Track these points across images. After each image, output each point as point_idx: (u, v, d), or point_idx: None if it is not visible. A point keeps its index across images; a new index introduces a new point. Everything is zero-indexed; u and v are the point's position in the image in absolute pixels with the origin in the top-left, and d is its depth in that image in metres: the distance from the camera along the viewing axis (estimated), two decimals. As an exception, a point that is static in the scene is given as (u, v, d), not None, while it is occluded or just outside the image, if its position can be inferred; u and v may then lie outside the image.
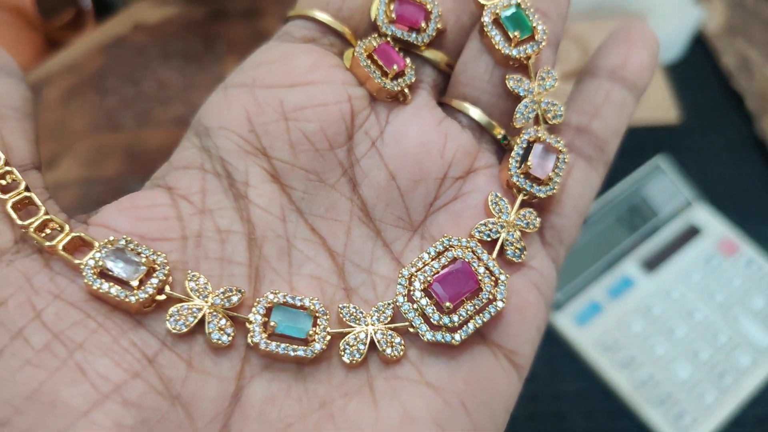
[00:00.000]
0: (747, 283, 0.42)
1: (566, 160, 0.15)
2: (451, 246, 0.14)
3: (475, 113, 0.16)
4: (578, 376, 0.41)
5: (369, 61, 0.15)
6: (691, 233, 0.44)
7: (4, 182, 0.13)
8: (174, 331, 0.13)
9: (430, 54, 0.16)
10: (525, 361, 0.15)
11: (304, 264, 0.14)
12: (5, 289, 0.12)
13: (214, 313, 0.13)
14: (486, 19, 0.16)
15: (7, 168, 0.13)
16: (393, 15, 0.16)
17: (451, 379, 0.14)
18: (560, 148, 0.16)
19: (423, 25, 0.16)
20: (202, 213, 0.14)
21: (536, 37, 0.16)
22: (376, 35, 0.16)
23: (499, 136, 0.16)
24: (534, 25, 0.16)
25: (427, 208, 0.15)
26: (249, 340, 0.13)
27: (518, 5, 0.16)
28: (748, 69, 0.53)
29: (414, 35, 0.16)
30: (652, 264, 0.43)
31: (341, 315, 0.14)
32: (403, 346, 0.14)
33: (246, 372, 0.13)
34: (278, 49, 0.16)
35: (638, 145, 0.52)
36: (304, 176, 0.15)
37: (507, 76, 0.16)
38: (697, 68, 0.56)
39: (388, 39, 0.16)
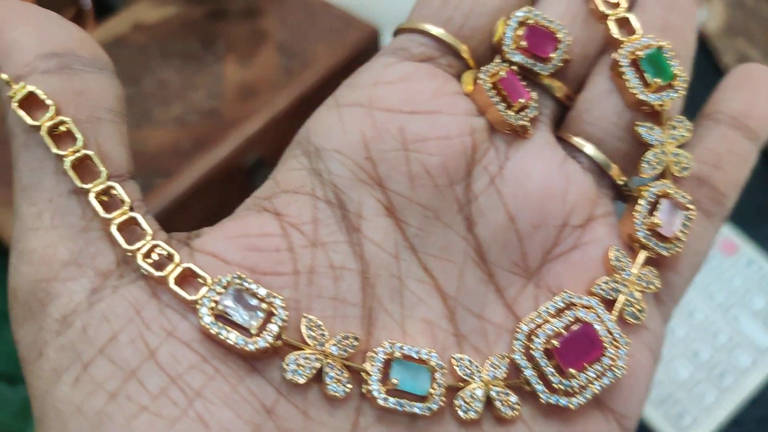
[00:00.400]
0: (747, 283, 0.42)
1: (692, 217, 0.15)
2: (572, 304, 0.14)
3: (598, 155, 0.15)
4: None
5: (494, 91, 0.14)
6: (690, 233, 0.44)
7: (106, 198, 0.13)
8: (292, 381, 0.12)
9: (550, 83, 0.15)
10: (634, 425, 0.14)
11: (417, 306, 0.14)
12: (114, 321, 0.11)
13: (332, 364, 0.12)
14: (623, 59, 0.15)
15: (110, 183, 0.13)
16: (522, 42, 0.15)
17: None
18: (687, 205, 0.15)
19: (551, 53, 0.15)
20: (314, 246, 0.13)
21: (674, 85, 0.15)
22: (500, 61, 0.15)
23: (621, 182, 0.15)
24: (674, 71, 0.15)
25: (545, 255, 0.15)
26: (365, 392, 0.13)
27: (659, 48, 0.15)
28: (748, 69, 0.53)
29: (540, 65, 0.15)
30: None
31: (455, 367, 0.13)
32: (518, 405, 0.13)
33: (361, 423, 0.13)
34: (397, 69, 0.15)
35: (638, 145, 0.52)
36: (420, 212, 0.14)
37: (637, 123, 0.15)
38: (697, 68, 0.56)
39: (513, 67, 0.15)
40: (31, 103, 0.12)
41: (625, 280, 0.14)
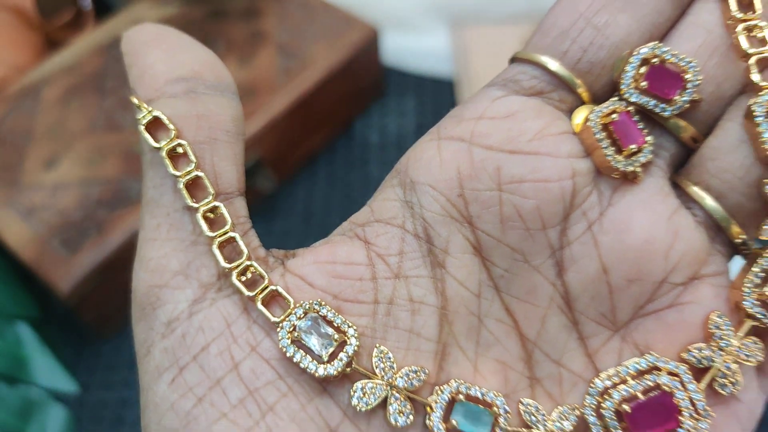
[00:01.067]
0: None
1: None
2: (656, 368, 0.13)
3: (717, 209, 0.14)
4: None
5: (604, 134, 0.14)
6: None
7: (212, 215, 0.14)
8: (357, 407, 0.13)
9: (675, 122, 0.14)
10: None
11: (493, 346, 0.14)
12: (208, 333, 0.13)
13: (396, 395, 0.13)
14: (759, 108, 0.13)
15: (216, 203, 0.14)
16: (643, 82, 0.14)
17: None
18: None
19: (676, 95, 0.14)
20: (397, 278, 0.14)
21: None
22: (616, 100, 0.14)
23: (739, 241, 0.14)
24: None
25: (636, 310, 0.14)
26: (428, 425, 0.13)
27: None
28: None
29: (662, 106, 0.14)
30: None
31: (522, 411, 0.13)
32: None
33: None
34: (503, 104, 0.14)
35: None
36: (508, 254, 0.14)
37: (766, 182, 0.13)
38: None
39: (630, 109, 0.14)
40: (157, 125, 0.14)
41: (722, 350, 0.13)
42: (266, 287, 0.14)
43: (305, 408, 0.13)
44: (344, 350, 0.13)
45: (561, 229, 0.14)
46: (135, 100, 0.14)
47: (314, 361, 0.13)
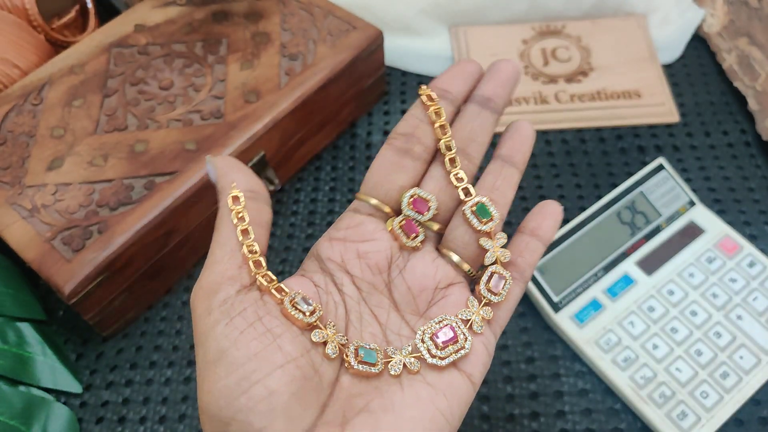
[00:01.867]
0: (750, 284, 0.42)
1: (509, 283, 0.28)
2: (446, 318, 0.27)
3: (455, 258, 0.29)
4: (578, 375, 0.41)
5: (400, 230, 0.28)
6: (692, 233, 0.44)
7: (254, 258, 0.26)
8: (315, 341, 0.25)
9: (431, 223, 0.29)
10: (477, 380, 0.27)
11: (368, 327, 0.28)
12: (245, 303, 0.25)
13: (332, 341, 0.26)
14: (466, 208, 0.28)
15: (259, 257, 0.27)
16: (411, 206, 0.29)
17: (439, 382, 0.26)
18: (507, 277, 0.28)
19: (426, 212, 0.29)
20: (326, 293, 0.28)
21: (494, 219, 0.28)
22: (403, 214, 0.29)
23: (467, 270, 0.29)
24: (492, 214, 0.28)
25: (427, 304, 0.29)
26: (347, 364, 0.26)
27: (483, 203, 0.28)
28: (751, 68, 0.53)
29: (422, 216, 0.29)
30: (654, 264, 0.43)
31: (387, 351, 0.27)
32: (419, 365, 0.26)
33: (341, 369, 0.26)
34: (355, 220, 0.29)
35: (638, 145, 0.52)
36: (367, 285, 0.28)
37: (480, 238, 0.29)
38: (697, 68, 0.56)
39: (410, 218, 0.29)
40: (234, 199, 0.27)
41: (475, 312, 0.28)
42: (276, 283, 0.26)
43: (296, 337, 0.25)
44: (315, 313, 0.26)
45: (387, 273, 0.29)
46: (236, 191, 0.27)
47: (300, 314, 0.25)
